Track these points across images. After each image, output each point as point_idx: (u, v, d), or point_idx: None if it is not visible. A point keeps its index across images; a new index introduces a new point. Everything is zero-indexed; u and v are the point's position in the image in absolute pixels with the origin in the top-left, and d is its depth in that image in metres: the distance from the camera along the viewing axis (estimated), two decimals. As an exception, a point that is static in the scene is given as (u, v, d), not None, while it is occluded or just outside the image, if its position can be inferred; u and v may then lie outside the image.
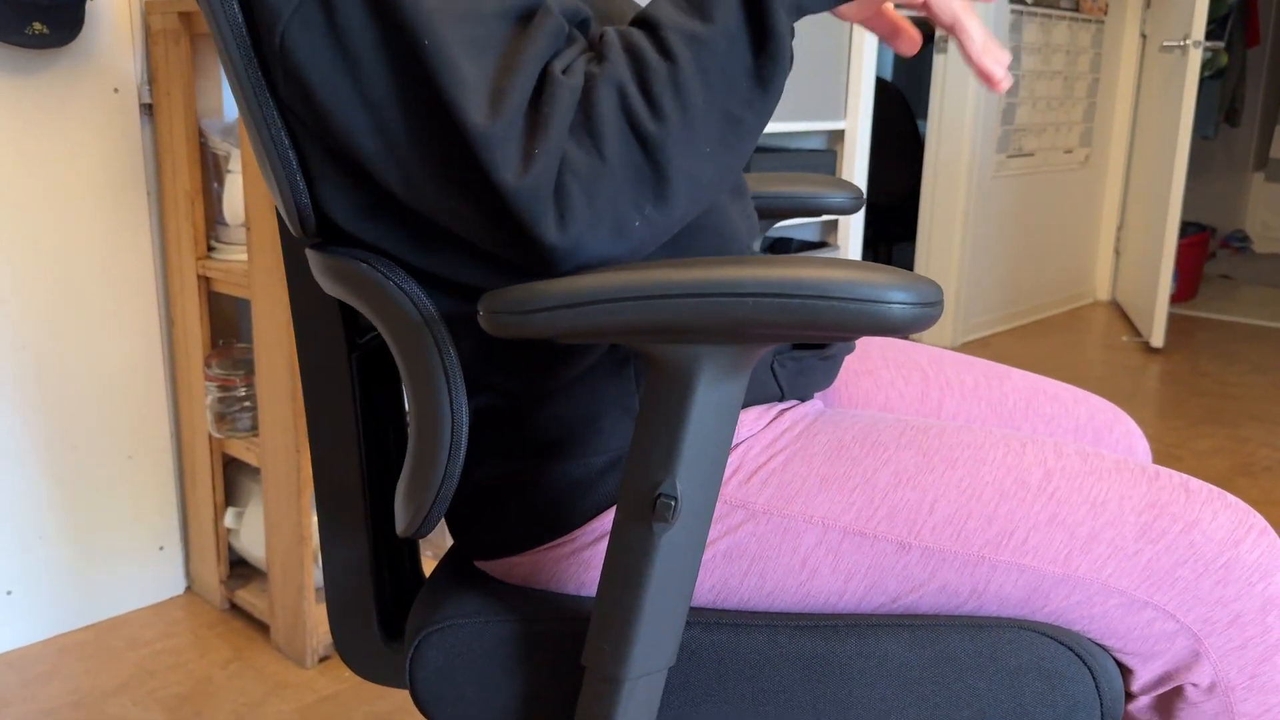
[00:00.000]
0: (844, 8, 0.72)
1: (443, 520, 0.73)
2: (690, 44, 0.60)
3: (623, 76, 0.59)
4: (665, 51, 0.60)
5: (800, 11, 0.63)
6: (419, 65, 0.58)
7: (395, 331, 0.67)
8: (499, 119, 0.57)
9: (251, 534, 1.74)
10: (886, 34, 0.75)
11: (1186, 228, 4.28)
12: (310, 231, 0.69)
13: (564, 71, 0.60)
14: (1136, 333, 3.80)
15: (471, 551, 0.75)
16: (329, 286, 0.70)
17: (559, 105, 0.58)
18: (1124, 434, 0.94)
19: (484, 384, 0.70)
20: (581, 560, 0.71)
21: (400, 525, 0.70)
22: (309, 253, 0.71)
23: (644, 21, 0.63)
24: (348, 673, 1.60)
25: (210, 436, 1.73)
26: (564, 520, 0.70)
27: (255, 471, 1.76)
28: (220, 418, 1.70)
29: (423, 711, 0.71)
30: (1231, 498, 0.69)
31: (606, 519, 0.70)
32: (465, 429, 0.66)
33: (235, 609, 1.79)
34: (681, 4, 0.62)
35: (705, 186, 0.62)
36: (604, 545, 0.70)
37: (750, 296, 0.53)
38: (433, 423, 0.66)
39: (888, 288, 0.52)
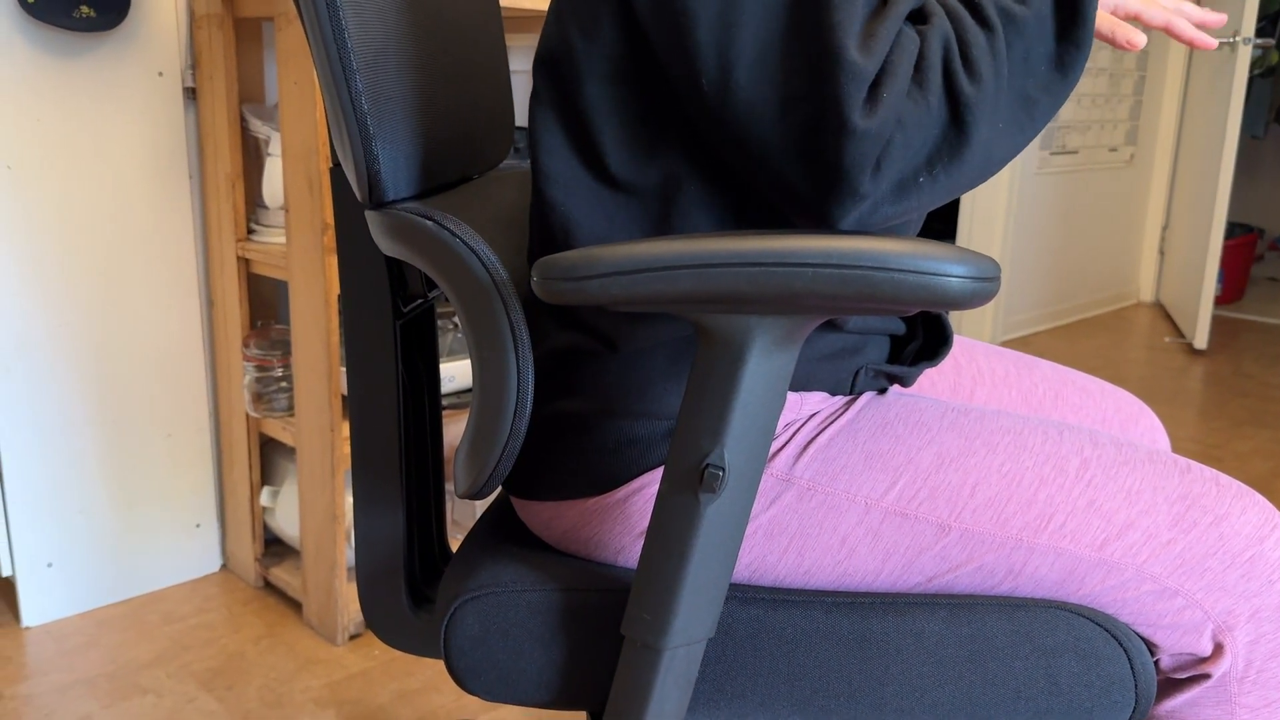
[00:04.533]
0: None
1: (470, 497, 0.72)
2: (1004, 18, 0.60)
3: (948, 34, 0.60)
4: (983, 20, 0.60)
5: None
6: None
7: (462, 293, 0.66)
8: (869, 58, 0.57)
9: (286, 513, 1.76)
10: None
11: (1234, 229, 4.20)
12: (378, 198, 0.69)
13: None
14: (1180, 334, 3.74)
15: (520, 488, 0.74)
16: (390, 247, 0.69)
17: (906, 57, 0.58)
18: (1148, 429, 0.95)
19: (578, 323, 0.70)
20: (629, 520, 0.70)
21: (461, 487, 0.70)
22: (369, 214, 0.71)
23: None
24: (377, 650, 1.62)
25: (247, 416, 1.75)
26: (620, 473, 0.70)
27: (291, 451, 1.78)
28: (257, 397, 1.71)
29: (457, 680, 0.71)
30: (1258, 495, 0.70)
31: (658, 477, 0.69)
32: (531, 390, 0.66)
33: (269, 586, 1.81)
34: None
35: (993, 161, 0.61)
36: (650, 508, 0.69)
37: (810, 266, 0.53)
38: (499, 384, 0.66)
39: (947, 261, 0.52)
